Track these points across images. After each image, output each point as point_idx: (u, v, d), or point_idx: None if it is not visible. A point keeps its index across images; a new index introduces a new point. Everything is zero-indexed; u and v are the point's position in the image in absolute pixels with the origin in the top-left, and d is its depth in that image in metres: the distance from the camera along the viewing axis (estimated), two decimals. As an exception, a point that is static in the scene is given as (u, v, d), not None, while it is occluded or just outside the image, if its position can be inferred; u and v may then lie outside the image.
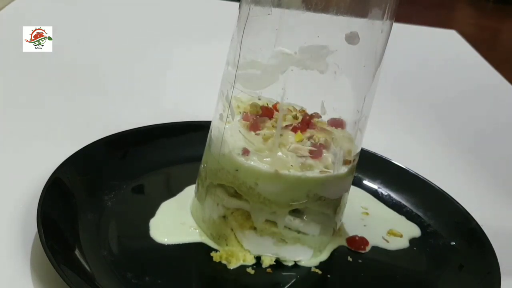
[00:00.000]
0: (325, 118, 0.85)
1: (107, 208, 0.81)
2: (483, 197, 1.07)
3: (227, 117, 0.79)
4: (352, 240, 0.86)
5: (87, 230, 0.75)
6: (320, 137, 0.78)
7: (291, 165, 0.74)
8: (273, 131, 0.78)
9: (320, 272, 0.78)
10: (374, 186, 1.00)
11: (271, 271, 0.77)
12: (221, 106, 0.80)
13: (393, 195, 0.98)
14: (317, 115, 0.86)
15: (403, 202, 0.97)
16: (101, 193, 0.83)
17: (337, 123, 0.83)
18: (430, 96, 1.55)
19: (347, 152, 0.79)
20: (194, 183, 0.87)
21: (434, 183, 0.98)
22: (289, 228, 0.77)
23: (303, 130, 0.79)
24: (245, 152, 0.75)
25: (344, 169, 0.77)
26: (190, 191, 0.88)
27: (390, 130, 1.25)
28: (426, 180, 0.99)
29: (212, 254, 0.77)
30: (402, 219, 0.94)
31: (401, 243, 0.88)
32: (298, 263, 0.79)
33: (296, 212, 0.77)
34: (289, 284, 0.76)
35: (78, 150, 0.86)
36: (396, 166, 1.02)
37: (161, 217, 0.82)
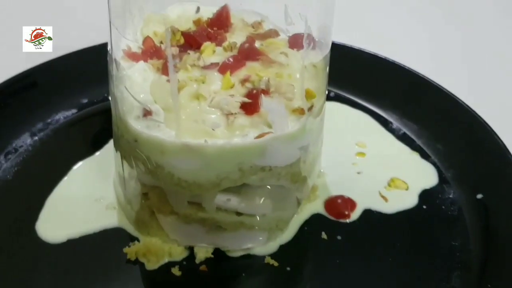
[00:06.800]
0: (293, 30, 0.58)
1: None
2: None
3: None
4: (331, 204, 0.62)
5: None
6: (262, 78, 0.52)
7: (212, 130, 0.50)
8: (196, 72, 0.53)
9: (276, 263, 0.56)
10: (379, 107, 0.73)
11: (205, 269, 0.56)
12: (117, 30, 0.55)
13: (407, 119, 0.72)
14: (273, 33, 0.59)
15: (420, 128, 0.70)
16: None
17: (300, 42, 0.55)
18: None
19: (307, 94, 0.53)
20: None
21: (465, 101, 0.70)
22: (225, 211, 0.55)
23: (236, 67, 0.54)
24: (147, 113, 0.51)
25: (295, 125, 0.52)
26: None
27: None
28: (454, 97, 0.71)
29: (126, 250, 0.57)
30: (413, 158, 0.68)
31: (405, 200, 0.63)
32: (249, 252, 0.57)
33: (230, 190, 0.53)
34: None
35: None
36: (414, 76, 0.75)
37: (69, 191, 0.62)
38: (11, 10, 0.94)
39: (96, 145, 0.68)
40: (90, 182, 0.63)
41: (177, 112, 0.49)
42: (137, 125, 0.51)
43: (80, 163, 0.65)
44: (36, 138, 0.68)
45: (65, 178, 0.63)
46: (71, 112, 0.72)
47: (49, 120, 0.71)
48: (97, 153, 0.67)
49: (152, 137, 0.50)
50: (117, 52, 0.54)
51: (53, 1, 0.98)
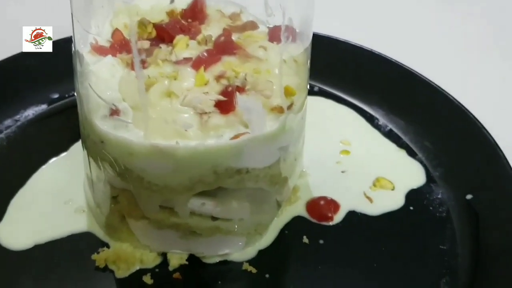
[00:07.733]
0: (273, 22, 0.55)
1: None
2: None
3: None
4: (313, 206, 0.59)
5: None
6: (238, 74, 0.49)
7: (185, 130, 0.46)
8: (168, 68, 0.50)
9: (254, 270, 0.53)
10: (365, 102, 0.70)
11: (179, 277, 0.52)
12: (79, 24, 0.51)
13: (393, 115, 0.69)
14: (251, 25, 0.56)
15: (407, 124, 0.68)
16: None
17: (278, 34, 0.51)
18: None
19: (286, 91, 0.50)
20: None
21: (454, 96, 0.67)
22: (199, 215, 0.52)
23: (211, 62, 0.50)
24: (114, 113, 0.48)
25: (274, 124, 0.48)
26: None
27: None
28: (443, 91, 0.68)
29: (94, 257, 0.53)
30: (400, 155, 0.65)
31: (391, 201, 0.60)
32: (226, 258, 0.54)
33: (205, 194, 0.50)
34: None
35: None
36: (401, 69, 0.72)
37: (36, 192, 0.58)
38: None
39: (66, 142, 0.64)
40: (59, 183, 0.60)
41: (146, 111, 0.46)
42: (103, 125, 0.47)
43: (48, 162, 0.61)
44: (2, 136, 0.65)
45: (32, 178, 0.60)
46: (41, 108, 0.69)
47: (17, 117, 0.67)
48: (67, 152, 0.63)
49: (119, 138, 0.47)
50: (82, 46, 0.50)
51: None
